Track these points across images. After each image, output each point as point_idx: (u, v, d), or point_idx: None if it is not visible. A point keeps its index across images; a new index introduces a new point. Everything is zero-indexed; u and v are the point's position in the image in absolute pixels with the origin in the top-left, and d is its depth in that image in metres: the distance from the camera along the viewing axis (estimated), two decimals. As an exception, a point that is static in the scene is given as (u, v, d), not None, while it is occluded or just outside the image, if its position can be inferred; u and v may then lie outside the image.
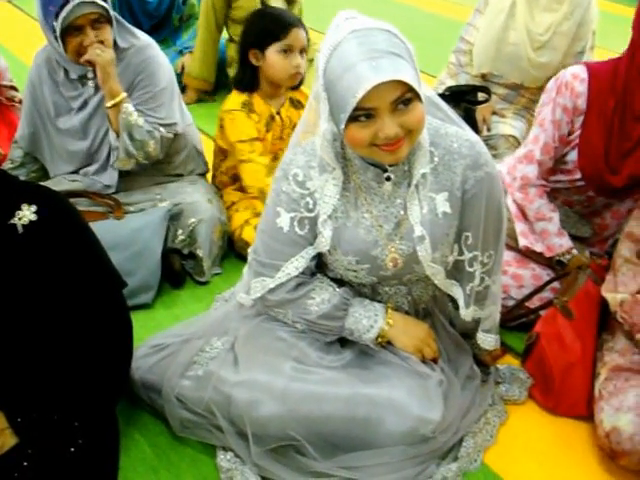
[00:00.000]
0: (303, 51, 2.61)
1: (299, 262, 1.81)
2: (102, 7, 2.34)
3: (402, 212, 1.77)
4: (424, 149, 1.71)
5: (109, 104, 2.43)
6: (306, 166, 1.77)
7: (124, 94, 2.43)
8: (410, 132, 1.59)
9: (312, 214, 1.77)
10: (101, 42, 2.37)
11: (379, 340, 1.85)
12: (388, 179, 1.73)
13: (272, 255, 1.82)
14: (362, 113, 1.54)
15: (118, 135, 2.45)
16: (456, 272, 1.89)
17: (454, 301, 1.95)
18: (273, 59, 2.58)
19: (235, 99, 2.68)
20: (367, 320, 1.83)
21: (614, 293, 2.03)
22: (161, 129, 2.50)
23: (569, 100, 2.22)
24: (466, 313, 1.91)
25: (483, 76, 3.41)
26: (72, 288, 1.64)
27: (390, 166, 1.71)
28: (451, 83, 3.47)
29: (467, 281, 1.88)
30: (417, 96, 1.57)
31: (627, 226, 2.08)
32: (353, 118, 1.55)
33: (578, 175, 2.29)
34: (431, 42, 4.95)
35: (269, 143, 2.72)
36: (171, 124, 2.55)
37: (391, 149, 1.59)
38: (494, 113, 3.41)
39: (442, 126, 1.77)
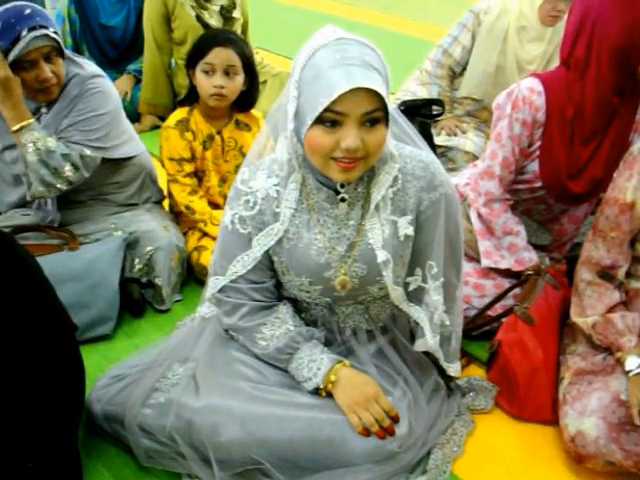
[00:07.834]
0: (231, 71, 2.54)
1: (245, 260, 1.79)
2: (54, 40, 2.32)
3: (355, 234, 1.76)
4: (387, 174, 1.70)
5: (14, 128, 2.33)
6: (254, 168, 1.78)
7: (31, 120, 2.35)
8: (367, 155, 1.58)
9: (251, 212, 1.75)
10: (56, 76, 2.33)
11: (320, 392, 1.80)
12: (343, 200, 1.72)
13: (223, 255, 1.83)
14: (331, 117, 1.52)
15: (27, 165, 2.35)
16: (418, 299, 1.87)
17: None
18: (198, 78, 2.58)
19: (175, 116, 2.69)
20: (307, 371, 1.79)
21: (584, 317, 2.01)
22: (85, 150, 2.42)
23: (528, 114, 2.22)
24: (434, 341, 1.87)
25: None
26: (17, 334, 1.59)
27: (342, 187, 1.70)
28: (422, 91, 3.48)
29: (432, 309, 1.85)
30: (384, 120, 1.57)
31: (584, 250, 2.05)
32: (319, 121, 1.53)
33: (537, 184, 2.31)
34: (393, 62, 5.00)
35: (209, 162, 2.71)
36: (100, 147, 2.47)
37: (346, 166, 1.57)
38: (457, 125, 3.44)
39: (397, 146, 1.74)
